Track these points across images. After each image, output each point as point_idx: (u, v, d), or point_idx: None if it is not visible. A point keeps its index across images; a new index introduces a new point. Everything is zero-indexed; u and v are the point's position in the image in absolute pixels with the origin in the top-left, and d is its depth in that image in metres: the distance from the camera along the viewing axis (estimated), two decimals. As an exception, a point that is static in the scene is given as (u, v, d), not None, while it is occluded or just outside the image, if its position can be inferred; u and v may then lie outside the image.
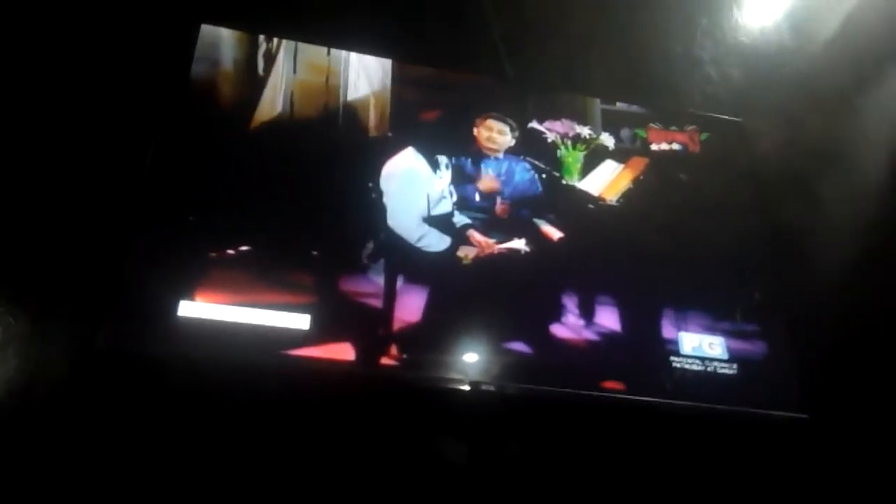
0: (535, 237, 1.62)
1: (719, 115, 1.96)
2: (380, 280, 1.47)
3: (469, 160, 1.68)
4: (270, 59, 1.64)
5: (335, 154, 1.59)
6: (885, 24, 2.17)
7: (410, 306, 1.46)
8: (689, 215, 1.76)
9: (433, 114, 1.72)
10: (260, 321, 1.36)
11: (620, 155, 1.81)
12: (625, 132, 1.84)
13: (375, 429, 1.42)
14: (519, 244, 1.60)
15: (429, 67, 1.78)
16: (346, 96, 1.66)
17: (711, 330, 1.60)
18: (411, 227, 1.55)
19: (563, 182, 1.73)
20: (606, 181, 1.76)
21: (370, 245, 1.50)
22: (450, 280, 1.52)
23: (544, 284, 1.58)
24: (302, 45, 1.68)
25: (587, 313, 1.55)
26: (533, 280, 1.57)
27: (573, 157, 1.76)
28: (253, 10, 1.72)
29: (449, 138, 1.69)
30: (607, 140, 1.81)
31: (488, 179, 1.65)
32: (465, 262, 1.55)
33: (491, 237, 1.59)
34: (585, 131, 1.80)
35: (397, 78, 1.71)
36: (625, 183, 1.77)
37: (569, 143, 1.77)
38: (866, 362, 1.71)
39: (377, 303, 1.44)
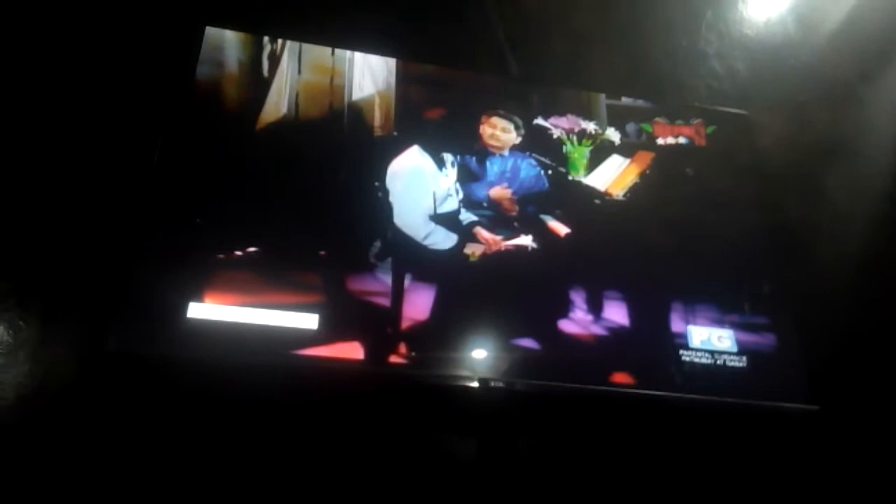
0: (542, 233, 1.62)
1: (725, 109, 1.95)
2: (387, 279, 1.47)
3: (474, 158, 1.68)
4: (275, 60, 1.65)
5: (341, 154, 1.60)
6: (890, 15, 2.15)
7: (418, 304, 1.46)
8: (696, 209, 1.76)
9: (438, 112, 1.72)
10: (268, 322, 1.36)
11: (626, 150, 1.80)
12: (630, 127, 1.84)
13: (385, 427, 1.43)
14: (526, 240, 1.60)
15: (433, 66, 1.78)
16: (350, 96, 1.66)
17: (720, 323, 1.59)
18: (418, 226, 1.56)
19: (570, 178, 1.73)
20: (613, 176, 1.76)
21: (377, 244, 1.51)
22: (457, 277, 1.52)
23: (552, 280, 1.58)
24: (306, 46, 1.68)
25: (595, 308, 1.55)
26: (540, 276, 1.57)
27: (579, 153, 1.76)
28: (257, 12, 1.73)
29: (454, 136, 1.69)
30: (613, 135, 1.81)
31: (499, 188, 1.65)
32: (472, 259, 1.55)
33: (498, 234, 1.59)
34: (591, 126, 1.80)
35: (402, 77, 1.72)
36: (631, 177, 1.76)
37: (574, 138, 1.77)
38: (876, 353, 1.71)
39: (385, 301, 1.45)
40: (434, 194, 1.61)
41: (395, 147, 1.63)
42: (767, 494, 1.53)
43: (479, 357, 1.44)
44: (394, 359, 1.39)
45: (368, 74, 1.69)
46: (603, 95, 1.86)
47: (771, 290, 1.67)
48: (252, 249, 1.43)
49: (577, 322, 1.52)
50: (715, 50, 2.11)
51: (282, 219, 1.49)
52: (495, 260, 1.56)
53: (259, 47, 1.65)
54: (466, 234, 1.57)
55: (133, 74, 1.59)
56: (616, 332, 1.53)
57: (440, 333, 1.44)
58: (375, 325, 1.42)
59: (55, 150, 1.49)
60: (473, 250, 1.56)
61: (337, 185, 1.55)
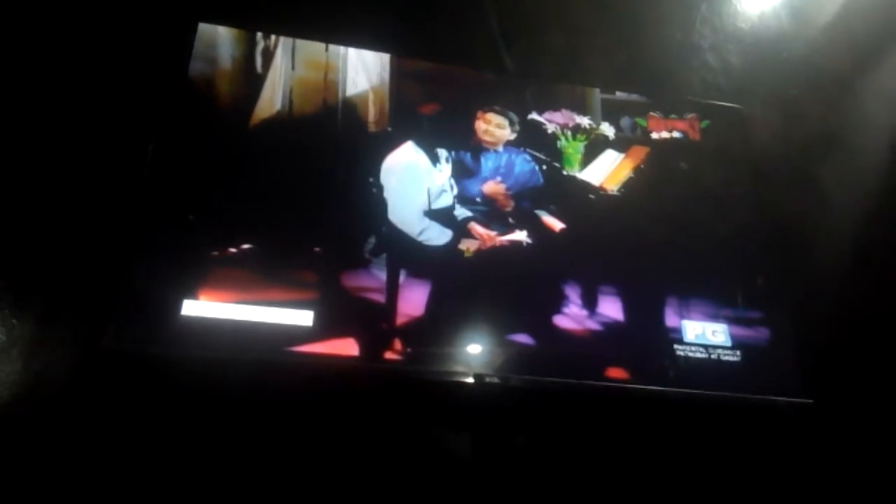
0: (537, 228, 1.62)
1: (719, 103, 1.96)
2: (382, 275, 1.47)
3: (469, 154, 1.67)
4: (268, 56, 1.64)
5: (335, 150, 1.59)
6: (883, 8, 2.15)
7: (413, 300, 1.46)
8: (691, 203, 1.76)
9: (432, 108, 1.72)
10: (263, 318, 1.36)
11: (621, 144, 1.80)
12: (625, 121, 1.84)
13: (381, 423, 1.43)
14: (520, 236, 1.60)
15: (427, 61, 1.78)
16: (344, 92, 1.66)
17: (714, 317, 1.60)
18: (413, 222, 1.55)
19: (564, 173, 1.73)
20: (607, 171, 1.76)
21: (372, 240, 1.51)
22: (452, 273, 1.53)
23: (547, 275, 1.58)
24: (300, 42, 1.67)
25: (590, 303, 1.55)
26: (535, 271, 1.58)
27: (573, 148, 1.76)
28: (250, 8, 1.72)
29: (448, 132, 1.69)
30: (607, 130, 1.81)
31: (493, 183, 1.65)
32: (466, 254, 1.55)
33: (492, 229, 1.59)
34: (585, 121, 1.80)
35: (396, 72, 1.71)
36: (626, 172, 1.76)
37: (569, 133, 1.77)
38: (870, 347, 1.71)
39: (380, 298, 1.45)
40: (429, 190, 1.60)
41: (389, 143, 1.63)
42: (762, 488, 1.53)
43: (475, 353, 1.44)
44: (389, 355, 1.40)
45: (362, 70, 1.69)
46: (597, 90, 1.86)
47: (765, 284, 1.68)
48: (246, 246, 1.42)
49: (572, 317, 1.53)
50: (709, 44, 2.11)
51: (276, 215, 1.49)
52: (490, 255, 1.56)
53: (252, 43, 1.64)
54: (461, 229, 1.57)
55: (126, 72, 1.59)
56: (611, 326, 1.54)
57: (435, 329, 1.45)
58: (370, 321, 1.42)
59: (48, 147, 1.49)
60: (468, 246, 1.56)
61: (331, 181, 1.55)
